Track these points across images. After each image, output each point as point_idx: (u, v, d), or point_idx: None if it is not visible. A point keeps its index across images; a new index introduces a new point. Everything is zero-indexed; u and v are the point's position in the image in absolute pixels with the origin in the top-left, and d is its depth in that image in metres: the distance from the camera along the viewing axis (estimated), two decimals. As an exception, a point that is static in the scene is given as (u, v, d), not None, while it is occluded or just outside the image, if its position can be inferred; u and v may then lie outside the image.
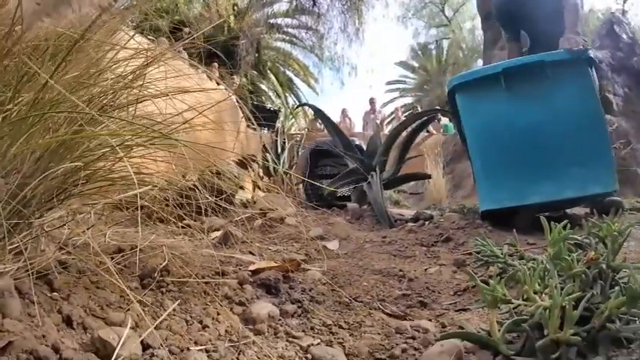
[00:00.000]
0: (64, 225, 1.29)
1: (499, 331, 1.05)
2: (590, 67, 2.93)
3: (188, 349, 1.01)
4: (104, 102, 1.27)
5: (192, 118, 1.26)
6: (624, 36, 7.31)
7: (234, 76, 10.71)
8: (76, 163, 1.16)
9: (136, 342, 0.96)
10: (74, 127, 1.17)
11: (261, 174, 5.69)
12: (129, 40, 1.43)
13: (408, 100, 26.79)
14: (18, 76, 1.10)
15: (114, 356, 0.89)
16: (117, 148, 0.94)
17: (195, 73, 1.46)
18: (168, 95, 1.23)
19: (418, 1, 24.22)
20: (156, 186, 1.34)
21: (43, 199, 1.22)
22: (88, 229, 1.34)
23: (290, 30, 19.23)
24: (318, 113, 4.68)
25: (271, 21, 18.25)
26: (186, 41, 1.59)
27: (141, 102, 1.26)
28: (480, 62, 18.31)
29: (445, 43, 25.76)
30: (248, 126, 8.31)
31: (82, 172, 1.27)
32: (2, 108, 1.04)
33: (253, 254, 1.93)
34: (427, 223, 3.34)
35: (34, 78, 1.13)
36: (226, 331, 1.14)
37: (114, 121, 1.23)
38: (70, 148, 1.23)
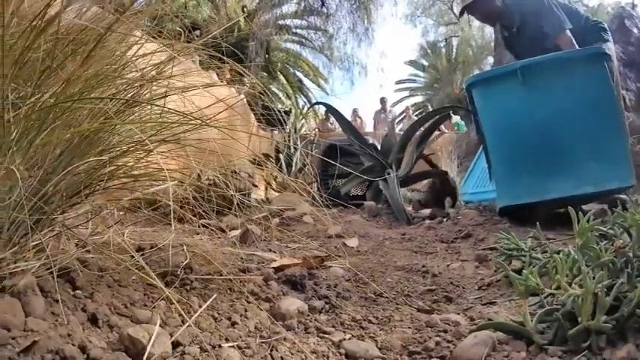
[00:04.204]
0: (88, 222, 1.28)
1: (532, 321, 1.04)
2: (606, 62, 2.89)
3: (220, 346, 0.99)
4: (127, 97, 1.26)
5: (220, 113, 1.24)
6: (635, 30, 7.20)
7: (245, 78, 10.72)
8: (102, 158, 1.14)
9: (165, 340, 0.94)
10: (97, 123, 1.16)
11: (274, 173, 5.67)
12: (147, 40, 1.42)
13: (419, 98, 26.69)
14: (39, 70, 1.09)
15: (145, 354, 0.87)
16: (147, 140, 0.92)
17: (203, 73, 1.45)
18: (188, 90, 1.21)
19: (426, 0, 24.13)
20: (182, 182, 1.32)
21: (66, 196, 1.21)
22: (110, 226, 1.33)
23: (299, 31, 19.23)
24: (332, 111, 4.65)
25: (280, 22, 18.24)
26: (200, 42, 1.58)
27: (165, 97, 1.24)
28: (490, 60, 18.23)
29: (455, 41, 25.57)
30: (259, 126, 8.30)
31: (106, 168, 1.26)
32: (24, 102, 1.03)
33: (274, 252, 1.92)
34: (445, 220, 3.32)
35: (54, 73, 1.12)
36: (256, 327, 1.11)
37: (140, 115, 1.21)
38: (92, 143, 1.21)
